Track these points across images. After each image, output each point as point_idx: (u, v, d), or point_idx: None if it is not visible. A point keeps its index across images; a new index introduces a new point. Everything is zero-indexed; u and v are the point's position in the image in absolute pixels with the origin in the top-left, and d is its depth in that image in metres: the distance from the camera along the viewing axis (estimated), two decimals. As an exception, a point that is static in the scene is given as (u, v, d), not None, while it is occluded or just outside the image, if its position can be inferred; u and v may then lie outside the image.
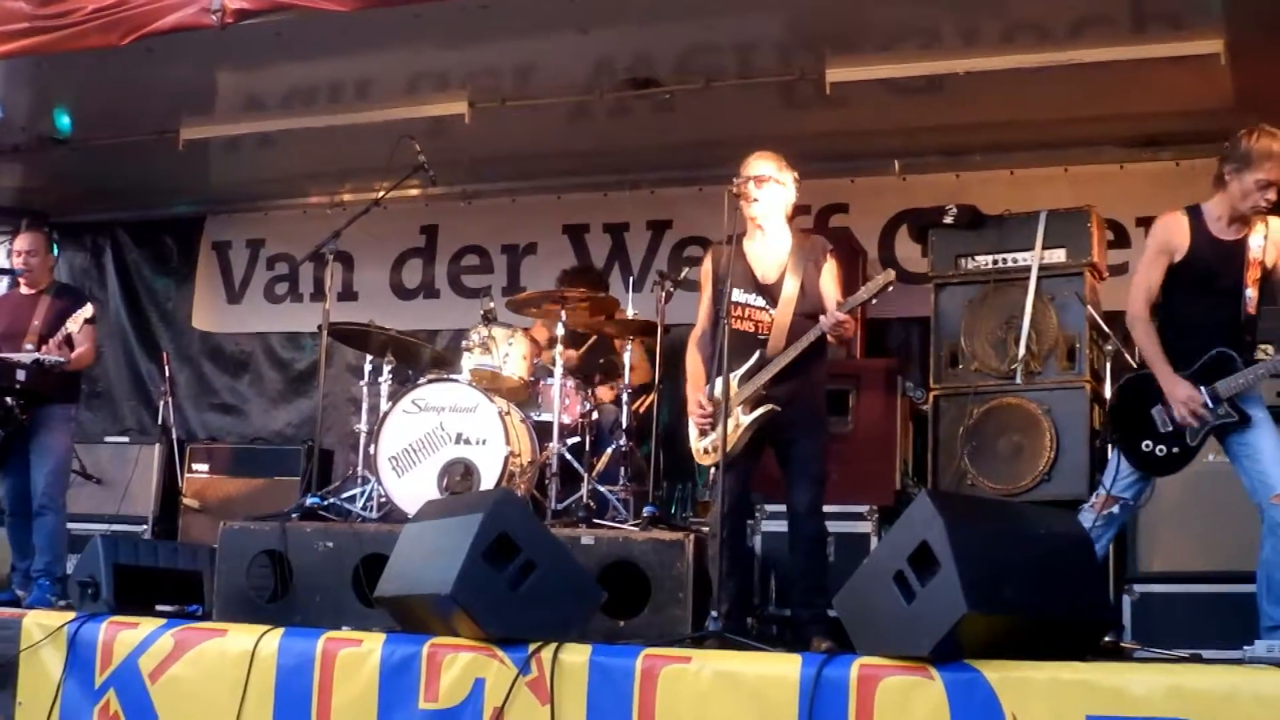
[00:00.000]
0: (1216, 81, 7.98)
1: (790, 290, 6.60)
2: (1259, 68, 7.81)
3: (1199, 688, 4.51)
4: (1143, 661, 5.73)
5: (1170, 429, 6.07)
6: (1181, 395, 5.99)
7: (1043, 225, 7.97)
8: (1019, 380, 7.87)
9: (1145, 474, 6.21)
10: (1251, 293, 6.05)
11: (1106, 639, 5.74)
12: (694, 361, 6.86)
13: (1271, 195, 5.98)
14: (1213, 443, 6.14)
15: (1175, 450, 6.08)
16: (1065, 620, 5.09)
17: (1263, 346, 6.22)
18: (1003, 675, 4.70)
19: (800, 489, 6.55)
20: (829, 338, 6.52)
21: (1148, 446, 6.13)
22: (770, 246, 6.72)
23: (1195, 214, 6.17)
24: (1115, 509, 6.22)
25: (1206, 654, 5.70)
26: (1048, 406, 7.70)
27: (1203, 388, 5.98)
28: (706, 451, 6.65)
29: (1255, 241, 6.07)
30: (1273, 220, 6.16)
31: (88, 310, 8.37)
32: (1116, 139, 9.15)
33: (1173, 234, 6.17)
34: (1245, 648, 5.24)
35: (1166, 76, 7.99)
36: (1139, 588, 7.10)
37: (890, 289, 6.49)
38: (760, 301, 6.63)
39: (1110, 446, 6.46)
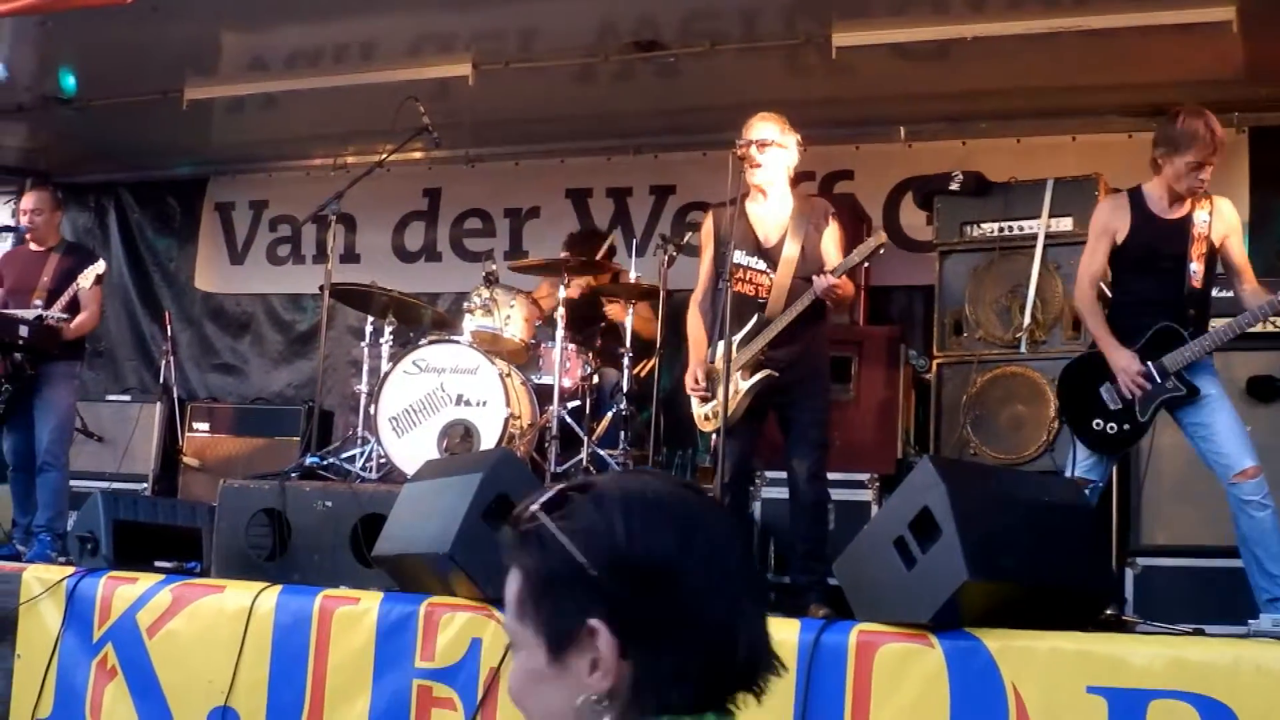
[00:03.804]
0: (1227, 50, 7.92)
1: (791, 253, 6.57)
2: (1271, 37, 7.75)
3: (1201, 660, 4.49)
4: (1145, 634, 5.71)
5: (1119, 406, 6.07)
6: (1122, 363, 6.03)
7: (1049, 193, 7.90)
8: (1023, 349, 7.82)
9: (1099, 454, 6.20)
10: (1196, 267, 6.06)
11: (1108, 612, 5.70)
12: (695, 324, 6.84)
13: (1204, 176, 6.01)
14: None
15: (1126, 427, 6.07)
16: (1066, 590, 5.06)
17: (1216, 321, 6.17)
18: (1003, 644, 4.67)
19: (801, 454, 6.52)
20: (825, 301, 6.49)
21: (1098, 425, 6.12)
22: (772, 209, 6.69)
23: (1136, 195, 6.25)
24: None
25: (1210, 629, 5.64)
26: (1052, 376, 7.58)
27: (1149, 363, 5.99)
28: (707, 418, 6.63)
29: (1200, 217, 6.09)
30: (1219, 198, 6.20)
31: (100, 266, 8.42)
32: (1125, 108, 9.05)
33: (1113, 216, 6.26)
34: (1250, 621, 5.22)
35: (1176, 44, 7.92)
36: (1142, 561, 7.04)
37: (882, 251, 6.50)
38: (761, 264, 6.60)
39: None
